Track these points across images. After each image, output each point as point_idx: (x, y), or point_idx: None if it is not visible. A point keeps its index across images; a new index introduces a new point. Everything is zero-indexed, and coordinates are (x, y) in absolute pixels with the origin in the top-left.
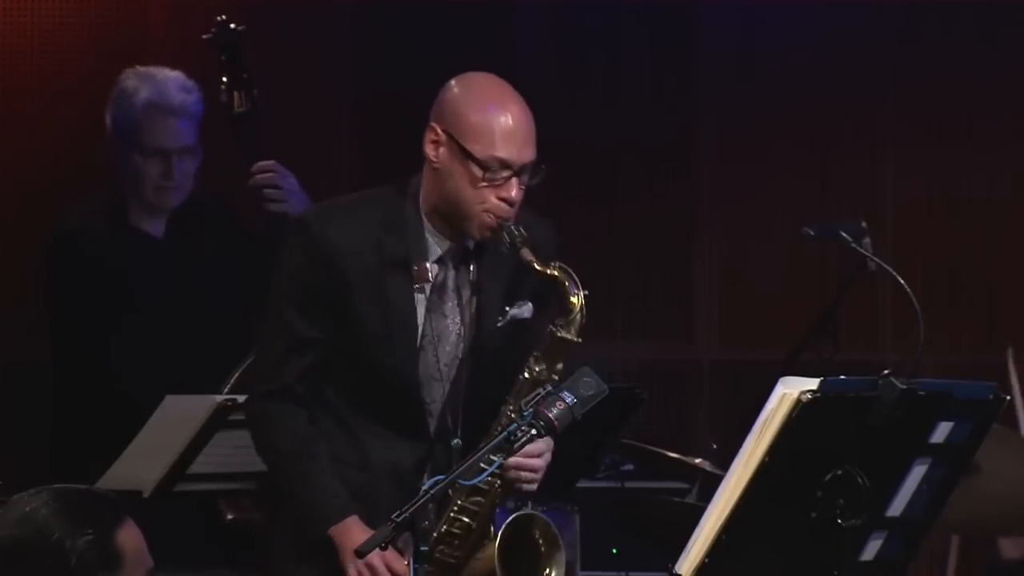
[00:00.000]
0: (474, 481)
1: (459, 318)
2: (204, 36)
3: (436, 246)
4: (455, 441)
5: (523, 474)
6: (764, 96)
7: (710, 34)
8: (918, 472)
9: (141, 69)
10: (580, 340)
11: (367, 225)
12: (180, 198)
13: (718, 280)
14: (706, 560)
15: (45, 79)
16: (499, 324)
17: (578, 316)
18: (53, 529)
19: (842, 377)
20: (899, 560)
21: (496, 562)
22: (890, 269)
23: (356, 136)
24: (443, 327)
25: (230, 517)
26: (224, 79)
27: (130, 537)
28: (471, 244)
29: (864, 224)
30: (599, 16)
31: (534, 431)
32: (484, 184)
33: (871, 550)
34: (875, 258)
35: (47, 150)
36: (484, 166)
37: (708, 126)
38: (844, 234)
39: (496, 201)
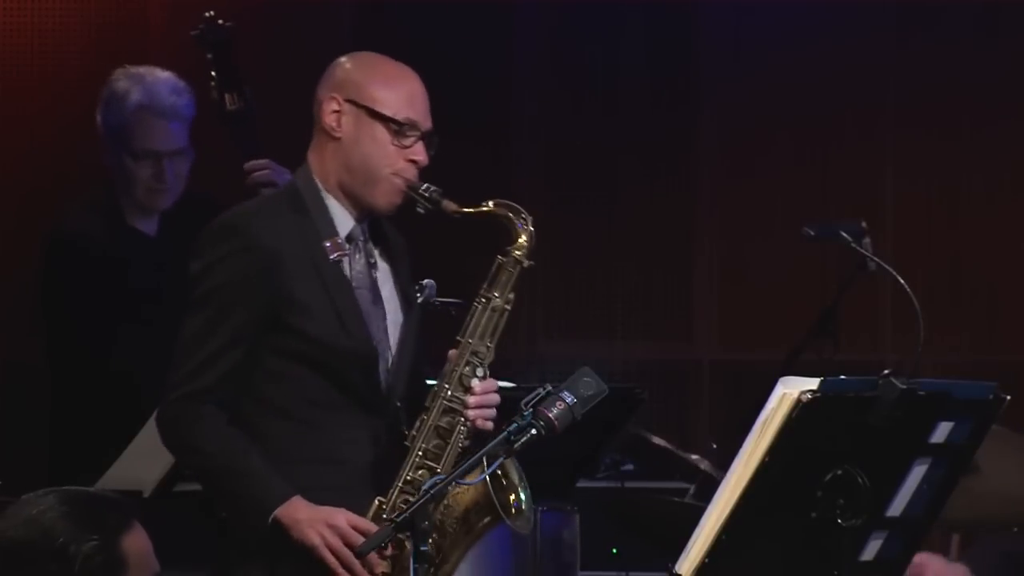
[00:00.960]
0: (474, 481)
1: (379, 293)
2: (192, 33)
3: (344, 220)
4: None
5: (485, 411)
6: (764, 96)
7: (710, 34)
8: (918, 472)
9: (132, 70)
10: (533, 263)
11: (283, 217)
12: (172, 199)
13: (718, 280)
14: (706, 560)
15: (45, 79)
16: (419, 298)
17: (527, 243)
18: (58, 533)
19: (842, 377)
20: (899, 560)
21: (488, 487)
22: (890, 269)
23: None
24: (367, 303)
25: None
26: (214, 77)
27: (136, 542)
28: (366, 225)
29: (864, 224)
30: (599, 16)
31: (534, 431)
32: (395, 146)
33: (871, 550)
34: (875, 258)
35: (47, 150)
36: (398, 125)
37: (708, 126)
38: (844, 234)
39: (405, 163)
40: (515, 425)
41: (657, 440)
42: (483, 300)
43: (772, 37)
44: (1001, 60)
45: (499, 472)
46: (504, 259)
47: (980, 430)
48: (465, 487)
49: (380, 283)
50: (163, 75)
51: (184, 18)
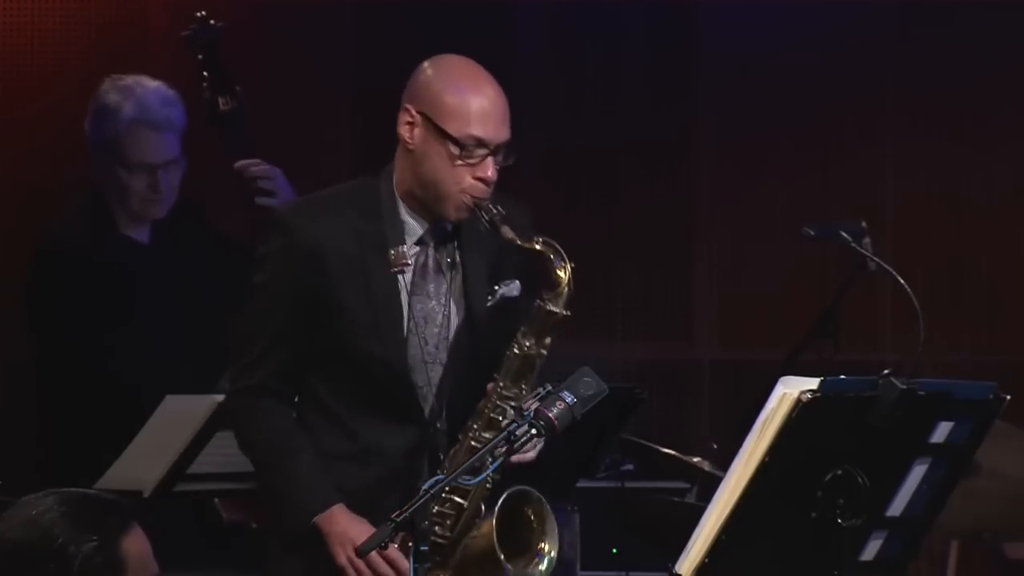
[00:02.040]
0: (474, 481)
1: (444, 299)
2: (183, 33)
3: (415, 228)
4: (440, 423)
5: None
6: (764, 96)
7: (710, 34)
8: (918, 472)
9: (120, 82)
10: (568, 313)
11: (343, 216)
12: (166, 208)
13: (718, 280)
14: (706, 560)
15: (45, 79)
16: (489, 303)
17: (565, 289)
18: (57, 534)
19: (842, 377)
20: (899, 560)
21: (494, 537)
22: (890, 269)
23: (356, 136)
24: (429, 309)
25: (227, 518)
26: (205, 77)
27: (135, 544)
28: (449, 226)
29: (864, 224)
30: (599, 16)
31: (534, 431)
32: (460, 163)
33: (871, 550)
34: (875, 258)
35: (47, 150)
36: (460, 144)
37: (708, 126)
38: (844, 234)
39: (472, 181)
40: (515, 425)
41: (658, 447)
42: (517, 347)
43: (772, 37)
44: (1001, 60)
45: (531, 515)
46: (542, 305)
47: (980, 430)
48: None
49: (450, 287)
50: (152, 85)
51: (184, 18)
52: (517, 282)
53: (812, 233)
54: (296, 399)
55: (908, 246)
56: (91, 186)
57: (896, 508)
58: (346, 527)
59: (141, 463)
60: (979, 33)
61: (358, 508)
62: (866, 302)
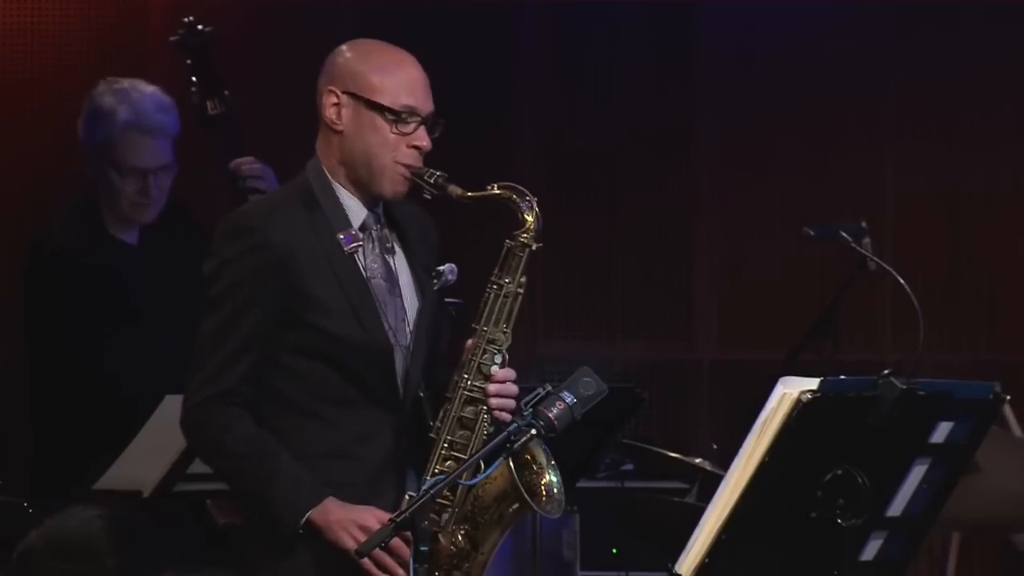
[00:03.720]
0: (474, 481)
1: (395, 282)
2: (171, 38)
3: (356, 210)
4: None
5: (505, 402)
6: (764, 96)
7: (710, 34)
8: (918, 472)
9: (115, 85)
10: (540, 244)
11: (293, 211)
12: (156, 213)
13: (718, 280)
14: (706, 560)
15: (45, 79)
16: (436, 287)
17: (534, 224)
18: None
19: (842, 377)
20: (899, 560)
21: (515, 478)
22: (890, 269)
23: None
24: (383, 292)
25: (221, 522)
26: (194, 82)
27: None
28: (380, 211)
29: (864, 224)
30: (599, 16)
31: (534, 431)
32: (395, 134)
33: (871, 550)
34: (875, 258)
35: (47, 150)
36: (395, 114)
37: (708, 126)
38: (844, 234)
39: (408, 150)
40: (515, 425)
41: (658, 449)
42: (495, 286)
43: (772, 37)
44: (1001, 60)
45: (527, 457)
46: (512, 243)
47: (980, 430)
48: (493, 477)
49: (397, 270)
50: (148, 90)
51: (181, 21)
52: (453, 265)
53: (812, 233)
54: (259, 404)
55: (908, 246)
56: (84, 188)
57: (896, 508)
58: (345, 512)
59: (141, 463)
60: (979, 33)
61: (352, 500)
62: (866, 302)
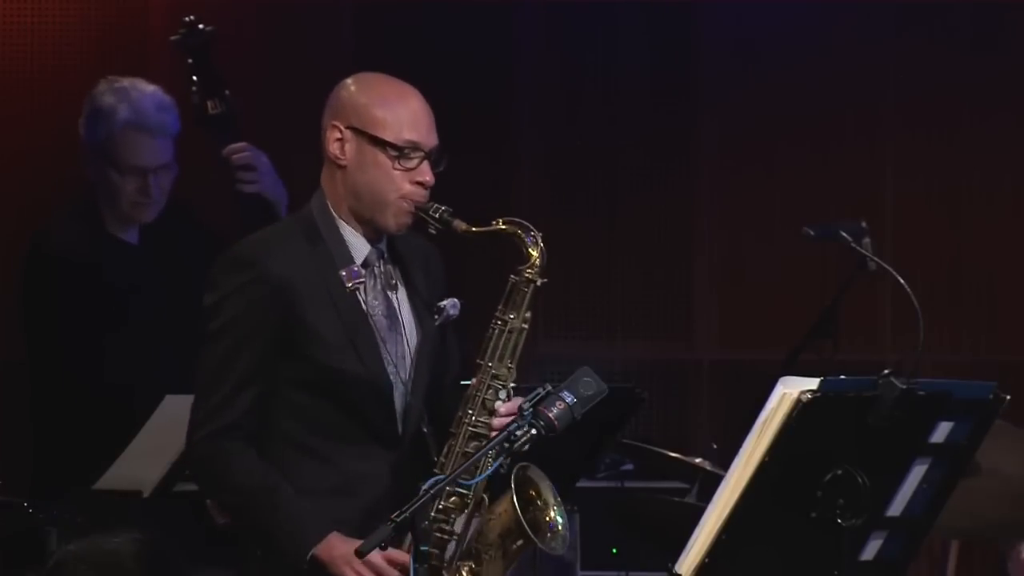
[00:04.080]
0: (473, 481)
1: (396, 318)
2: (172, 37)
3: (360, 247)
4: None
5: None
6: (764, 96)
7: (710, 34)
8: (918, 472)
9: (116, 84)
10: (545, 280)
11: (296, 246)
12: (156, 212)
13: (718, 280)
14: (706, 560)
15: (45, 79)
16: (437, 322)
17: (539, 260)
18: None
19: (842, 377)
20: (899, 560)
21: (519, 515)
22: (890, 269)
23: None
24: (384, 328)
25: (221, 522)
26: (194, 81)
27: None
28: (384, 246)
29: (864, 224)
30: (599, 16)
31: (534, 431)
32: (398, 169)
33: (871, 550)
34: (875, 258)
35: (46, 150)
36: (398, 149)
37: (708, 126)
38: (844, 234)
39: (411, 187)
40: (515, 425)
41: (658, 449)
42: (499, 322)
43: (772, 37)
44: (1001, 60)
45: (533, 493)
46: (517, 279)
47: (980, 430)
48: (497, 513)
49: (399, 305)
50: (148, 90)
51: (181, 20)
52: (455, 300)
53: (812, 233)
54: (263, 440)
55: (908, 246)
56: (84, 187)
57: (896, 508)
58: (349, 547)
59: (141, 463)
60: (978, 33)
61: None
62: (866, 302)
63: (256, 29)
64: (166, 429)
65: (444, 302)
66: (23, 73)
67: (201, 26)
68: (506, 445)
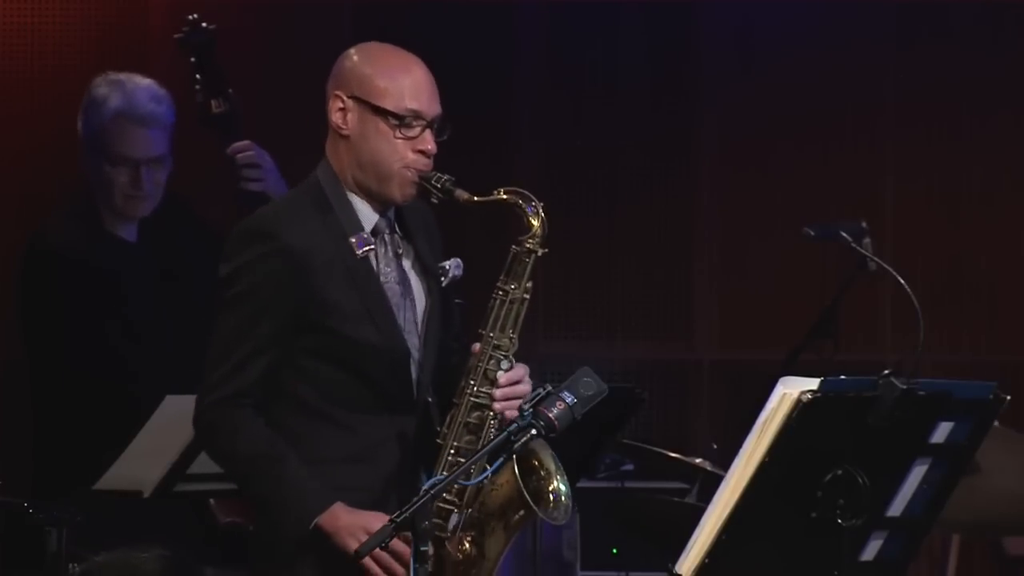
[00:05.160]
0: (473, 481)
1: (405, 285)
2: (175, 36)
3: (368, 215)
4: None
5: (513, 402)
6: (764, 96)
7: (710, 34)
8: (918, 472)
9: (112, 76)
10: (546, 250)
11: (307, 214)
12: (150, 207)
13: (718, 280)
14: (706, 560)
15: (45, 79)
16: (444, 283)
17: (540, 229)
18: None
19: (842, 377)
20: (899, 560)
21: (520, 486)
22: (890, 269)
23: None
24: (397, 295)
25: (222, 522)
26: (197, 80)
27: None
28: (392, 215)
29: (864, 224)
30: (599, 16)
31: (534, 431)
32: (400, 138)
33: (871, 550)
34: (875, 258)
35: (46, 150)
36: (399, 118)
37: (708, 126)
38: (844, 234)
39: (414, 155)
40: (515, 425)
41: (658, 450)
42: (501, 292)
43: (772, 37)
44: (1001, 60)
45: (535, 463)
46: (518, 248)
47: (980, 430)
48: (499, 483)
49: (409, 272)
50: (144, 82)
51: (184, 19)
52: (459, 260)
53: (812, 233)
54: (274, 406)
55: (908, 246)
56: (82, 186)
57: (896, 508)
58: (354, 518)
59: (141, 463)
60: (978, 33)
61: (368, 505)
62: (866, 302)
63: (256, 29)
64: (166, 429)
65: (447, 263)
66: (23, 73)
67: (204, 24)
68: (507, 445)
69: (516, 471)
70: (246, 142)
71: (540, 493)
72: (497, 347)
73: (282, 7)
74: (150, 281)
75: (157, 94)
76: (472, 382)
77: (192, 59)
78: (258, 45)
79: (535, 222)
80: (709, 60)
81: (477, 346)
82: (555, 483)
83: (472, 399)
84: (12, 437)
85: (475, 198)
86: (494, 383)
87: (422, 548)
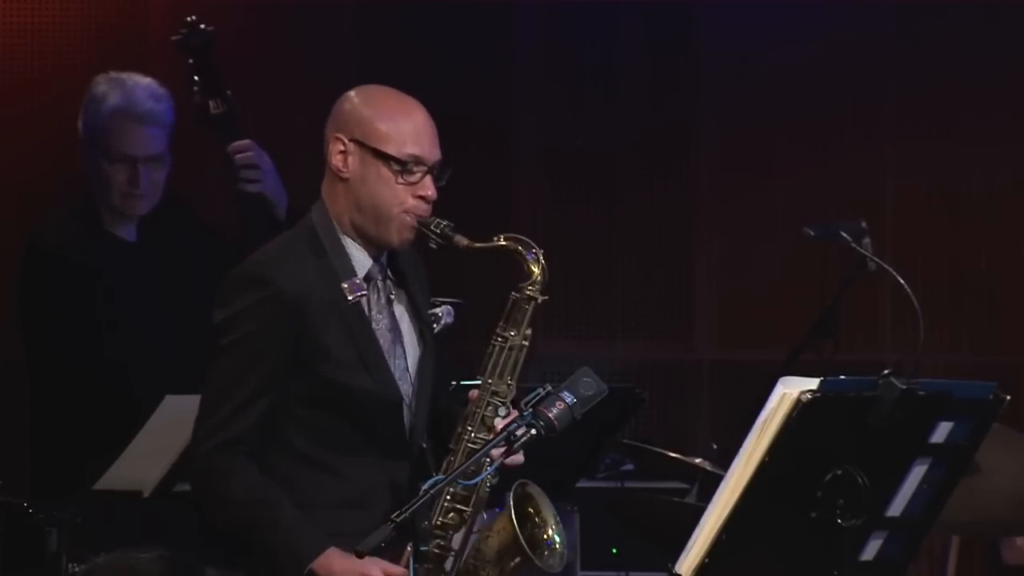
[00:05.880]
0: (473, 481)
1: (399, 331)
2: (173, 38)
3: (362, 260)
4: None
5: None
6: (764, 96)
7: (710, 34)
8: (918, 472)
9: (113, 75)
10: (546, 298)
11: (303, 259)
12: (148, 206)
13: (718, 280)
14: (706, 560)
15: (45, 79)
16: (436, 330)
17: (540, 276)
18: None
19: (842, 377)
20: (899, 560)
21: (517, 532)
22: (890, 269)
23: None
24: (388, 342)
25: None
26: (196, 81)
27: None
28: (385, 261)
29: (864, 224)
30: (599, 16)
31: (534, 431)
32: (401, 184)
33: (871, 550)
34: (875, 258)
35: (46, 150)
36: (401, 163)
37: (708, 126)
38: (844, 234)
39: (414, 201)
40: (515, 425)
41: (658, 449)
42: (500, 339)
43: (772, 36)
44: (1001, 60)
45: (531, 510)
46: (518, 296)
47: (980, 430)
48: (496, 530)
49: (399, 319)
50: (144, 80)
51: (184, 19)
52: (450, 307)
53: (812, 233)
54: (266, 451)
55: (908, 246)
56: (82, 185)
57: (896, 508)
58: (349, 564)
59: (141, 463)
60: (978, 32)
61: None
62: (866, 302)
63: (256, 29)
64: (166, 429)
65: (439, 310)
66: (23, 73)
67: (203, 26)
68: (506, 445)
69: (513, 518)
70: (246, 141)
71: (536, 540)
72: (495, 393)
73: (282, 7)
74: (149, 281)
75: (157, 93)
76: (469, 428)
77: (190, 61)
78: (258, 45)
79: (535, 268)
80: (709, 60)
81: (475, 393)
82: (551, 531)
83: (469, 445)
84: (12, 437)
85: (475, 244)
86: (491, 430)
87: (422, 548)
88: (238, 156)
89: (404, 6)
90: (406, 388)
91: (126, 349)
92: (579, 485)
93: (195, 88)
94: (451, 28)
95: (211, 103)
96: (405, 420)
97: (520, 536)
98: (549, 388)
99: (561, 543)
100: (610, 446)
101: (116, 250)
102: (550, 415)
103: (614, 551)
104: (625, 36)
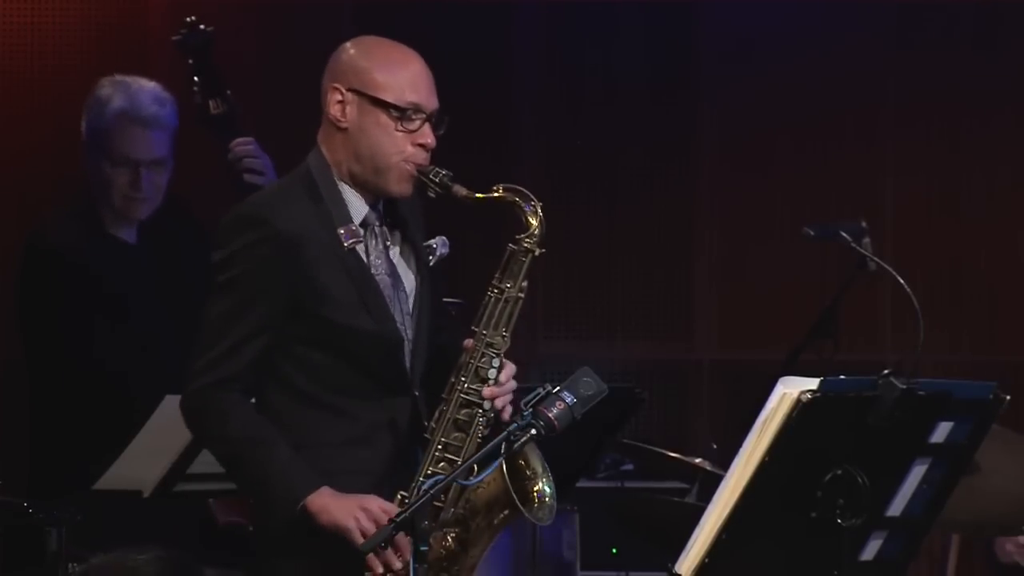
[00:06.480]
0: (473, 481)
1: (398, 275)
2: (173, 38)
3: (358, 207)
4: (419, 393)
5: (503, 398)
6: (764, 96)
7: (710, 34)
8: (918, 472)
9: (118, 78)
10: (543, 250)
11: (300, 204)
12: (149, 210)
13: (718, 280)
14: (706, 560)
15: (45, 79)
16: (432, 262)
17: (538, 229)
18: None
19: (842, 377)
20: (899, 560)
21: (508, 485)
22: (890, 269)
23: None
24: (388, 287)
25: (222, 522)
26: (195, 81)
27: None
28: (382, 207)
29: (864, 224)
30: (599, 16)
31: (534, 431)
32: (400, 131)
33: (871, 550)
34: (875, 258)
35: (46, 150)
36: (400, 110)
37: (708, 126)
38: (844, 234)
39: (413, 148)
40: (515, 425)
41: (658, 449)
42: (496, 290)
43: (772, 37)
44: (1000, 61)
45: (521, 463)
46: (515, 247)
47: (980, 430)
48: (486, 482)
49: (398, 263)
50: (148, 84)
51: (184, 19)
52: (444, 238)
53: (812, 233)
54: (268, 393)
55: (908, 246)
56: (82, 186)
57: (896, 508)
58: (344, 500)
59: (141, 463)
60: (978, 34)
61: (368, 488)
62: (866, 302)
63: (256, 29)
64: (166, 429)
65: (433, 241)
66: (23, 73)
67: (202, 26)
68: (506, 445)
69: (503, 470)
70: (247, 138)
71: (525, 493)
72: (490, 345)
73: (282, 7)
74: (150, 282)
75: (160, 96)
76: (463, 379)
77: (190, 61)
78: (258, 45)
79: (533, 221)
80: (709, 60)
81: (470, 342)
82: (541, 484)
83: (462, 396)
84: (12, 437)
85: (474, 195)
86: (484, 381)
87: (422, 548)
88: (239, 148)
89: (404, 6)
90: (407, 331)
91: (126, 350)
92: (579, 485)
93: (195, 88)
94: (451, 28)
95: (211, 103)
96: (407, 361)
97: (510, 488)
98: (549, 388)
99: (551, 496)
100: (610, 446)
101: (117, 251)
102: (550, 415)
103: (614, 551)
104: (625, 36)
